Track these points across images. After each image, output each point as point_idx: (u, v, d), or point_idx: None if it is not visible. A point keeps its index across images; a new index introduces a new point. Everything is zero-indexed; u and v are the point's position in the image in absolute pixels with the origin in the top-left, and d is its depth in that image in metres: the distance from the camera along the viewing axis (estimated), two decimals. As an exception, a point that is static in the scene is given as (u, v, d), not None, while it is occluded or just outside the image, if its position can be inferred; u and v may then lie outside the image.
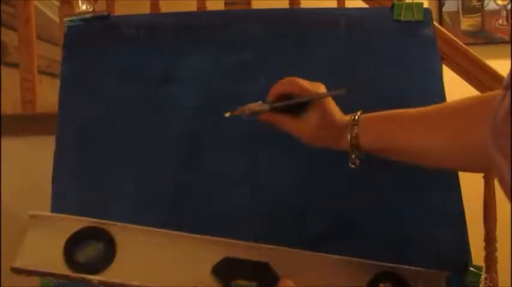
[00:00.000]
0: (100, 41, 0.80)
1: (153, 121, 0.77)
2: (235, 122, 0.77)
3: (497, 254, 1.46)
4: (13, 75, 1.75)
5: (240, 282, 0.55)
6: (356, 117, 0.65)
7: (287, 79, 0.66)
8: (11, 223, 1.33)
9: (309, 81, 0.66)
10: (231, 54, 0.79)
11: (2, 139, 1.38)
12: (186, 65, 0.79)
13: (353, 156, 0.65)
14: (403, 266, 0.60)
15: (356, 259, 0.59)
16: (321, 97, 0.64)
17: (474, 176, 1.43)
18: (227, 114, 0.67)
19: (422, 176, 0.74)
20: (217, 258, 0.57)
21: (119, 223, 0.58)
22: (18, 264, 0.55)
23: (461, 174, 0.74)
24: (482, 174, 1.51)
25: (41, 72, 1.75)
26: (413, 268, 0.60)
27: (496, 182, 1.50)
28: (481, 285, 0.65)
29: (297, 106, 0.65)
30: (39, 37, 1.66)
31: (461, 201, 0.73)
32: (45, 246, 0.57)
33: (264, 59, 0.79)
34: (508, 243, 1.56)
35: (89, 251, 0.56)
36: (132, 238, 0.58)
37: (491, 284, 0.70)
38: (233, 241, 0.58)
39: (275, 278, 0.55)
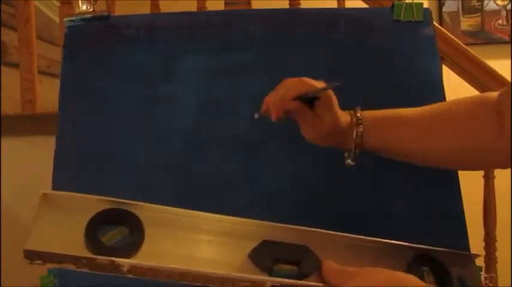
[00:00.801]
0: (100, 41, 0.80)
1: (152, 121, 0.77)
2: (235, 122, 0.77)
3: (497, 254, 1.46)
4: (13, 75, 1.75)
5: (282, 266, 0.51)
6: (359, 115, 0.65)
7: (297, 80, 0.64)
8: (11, 223, 1.33)
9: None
10: (231, 54, 0.79)
11: (2, 139, 1.38)
12: (186, 65, 0.79)
13: (353, 155, 0.65)
14: (439, 248, 0.59)
15: (394, 242, 0.58)
16: (325, 90, 0.63)
17: (474, 176, 1.44)
18: (256, 116, 0.64)
19: (422, 176, 0.74)
20: (254, 242, 0.52)
21: (144, 203, 0.52)
22: (31, 246, 0.45)
23: (461, 174, 0.74)
24: (483, 173, 1.52)
25: (41, 72, 1.75)
26: (447, 250, 0.59)
27: (495, 182, 1.50)
28: (481, 285, 0.65)
29: (308, 103, 0.63)
30: (39, 37, 1.66)
31: (461, 201, 0.73)
32: (61, 228, 0.48)
33: (264, 59, 0.79)
34: (508, 243, 1.57)
35: (114, 234, 0.49)
36: (160, 220, 0.51)
37: (491, 284, 0.70)
38: (269, 223, 0.54)
39: (316, 262, 0.52)
